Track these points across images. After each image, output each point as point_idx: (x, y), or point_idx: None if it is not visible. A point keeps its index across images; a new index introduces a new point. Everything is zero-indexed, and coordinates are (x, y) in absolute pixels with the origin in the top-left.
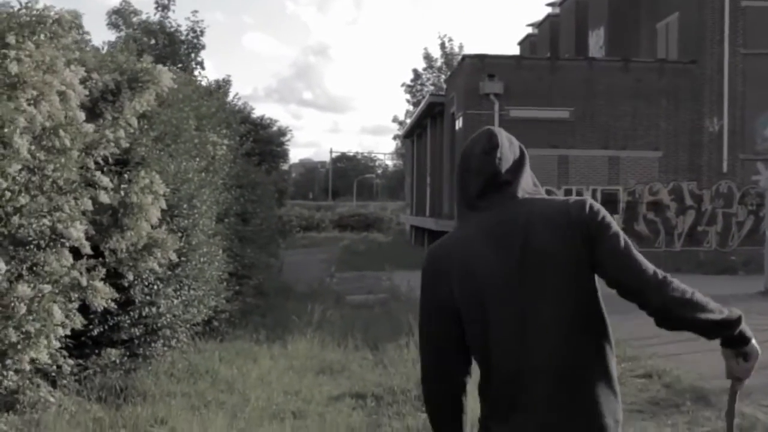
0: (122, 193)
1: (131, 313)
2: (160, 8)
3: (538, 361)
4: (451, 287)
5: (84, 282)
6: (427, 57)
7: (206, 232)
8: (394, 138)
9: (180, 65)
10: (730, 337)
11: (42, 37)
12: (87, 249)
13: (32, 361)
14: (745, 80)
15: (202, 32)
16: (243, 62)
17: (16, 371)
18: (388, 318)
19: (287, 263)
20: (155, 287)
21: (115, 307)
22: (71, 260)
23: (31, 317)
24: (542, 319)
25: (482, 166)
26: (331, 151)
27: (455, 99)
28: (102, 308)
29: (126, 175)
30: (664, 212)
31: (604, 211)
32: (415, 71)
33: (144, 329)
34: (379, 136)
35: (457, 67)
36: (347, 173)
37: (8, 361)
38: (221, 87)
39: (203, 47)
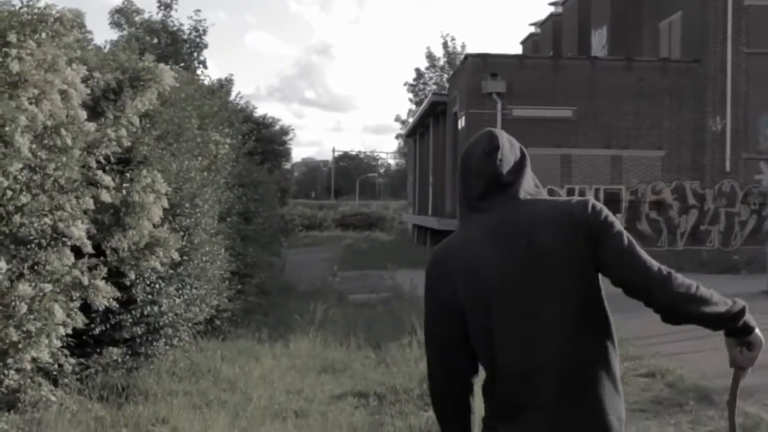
0: (124, 192)
1: (133, 312)
2: (162, 7)
3: (543, 362)
4: (455, 288)
5: (85, 281)
6: (430, 56)
7: (208, 231)
8: (397, 137)
9: (182, 64)
10: (734, 328)
11: (43, 35)
12: (88, 248)
13: (33, 360)
14: (748, 79)
15: (204, 31)
16: (245, 61)
17: (17, 370)
18: (390, 317)
19: (289, 262)
20: (157, 286)
21: (117, 305)
22: (73, 259)
23: (32, 316)
24: (547, 319)
25: (483, 168)
26: (333, 150)
27: (458, 98)
28: (104, 307)
29: (128, 174)
30: (667, 211)
31: (606, 211)
32: (417, 70)
33: (146, 328)
34: (382, 135)
35: (459, 67)
36: (350, 172)
37: (9, 360)
38: (224, 86)
39: (206, 46)
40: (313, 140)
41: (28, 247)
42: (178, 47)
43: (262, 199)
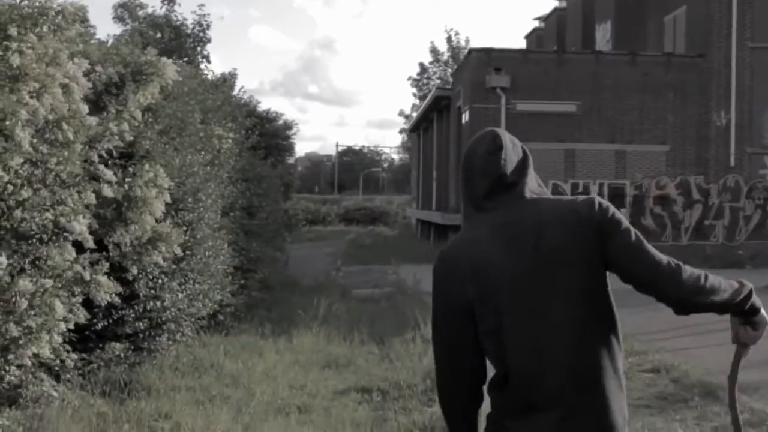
0: (126, 186)
1: (136, 307)
2: (166, 2)
3: (552, 360)
4: (464, 288)
5: (87, 276)
6: (434, 51)
7: (211, 225)
8: (401, 132)
9: (186, 59)
10: (742, 310)
11: (45, 29)
12: (90, 243)
13: (35, 356)
14: (752, 74)
15: (208, 26)
16: (249, 56)
17: (18, 366)
18: (394, 312)
19: (293, 257)
20: (160, 281)
21: (120, 301)
22: (74, 254)
23: (32, 312)
24: (555, 318)
25: (487, 167)
26: (337, 145)
27: (462, 93)
28: (106, 302)
29: (130, 169)
30: (671, 206)
31: (613, 208)
32: (421, 65)
33: (148, 323)
34: (385, 129)
35: (463, 61)
36: (353, 167)
37: (10, 356)
38: (227, 80)
39: (209, 41)
40: (316, 135)
41: (29, 242)
42: (182, 42)
43: (266, 194)
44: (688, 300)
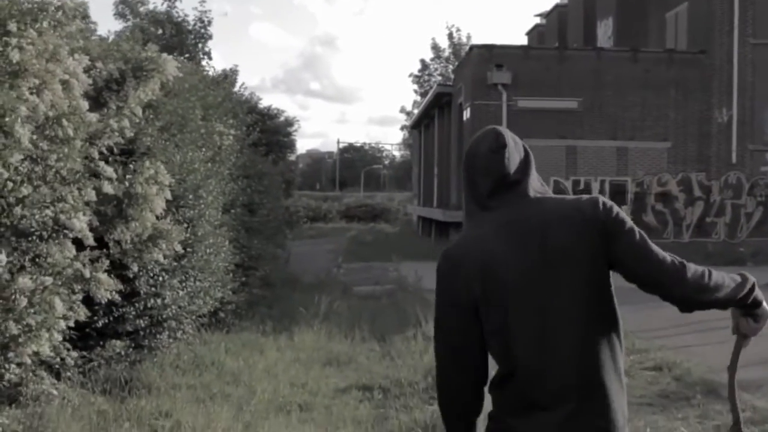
0: (127, 183)
1: (136, 305)
2: None
3: (555, 358)
4: (470, 286)
5: (87, 274)
6: (435, 47)
7: (212, 222)
8: (402, 128)
9: (187, 55)
10: (744, 304)
11: (44, 24)
12: (90, 240)
13: (35, 354)
14: (754, 70)
15: (209, 22)
16: (250, 52)
17: (18, 364)
18: (395, 309)
19: (294, 254)
20: (161, 278)
21: (120, 298)
22: (74, 252)
23: (32, 310)
24: (561, 316)
25: (491, 166)
26: (338, 142)
27: (463, 89)
28: (106, 300)
29: (131, 165)
30: (673, 203)
31: (617, 207)
32: (422, 61)
33: (149, 321)
34: (387, 126)
35: (464, 58)
36: (354, 164)
37: (10, 354)
38: (228, 77)
39: (210, 37)
40: (317, 132)
41: (29, 239)
42: (183, 38)
43: (267, 191)
44: (692, 298)
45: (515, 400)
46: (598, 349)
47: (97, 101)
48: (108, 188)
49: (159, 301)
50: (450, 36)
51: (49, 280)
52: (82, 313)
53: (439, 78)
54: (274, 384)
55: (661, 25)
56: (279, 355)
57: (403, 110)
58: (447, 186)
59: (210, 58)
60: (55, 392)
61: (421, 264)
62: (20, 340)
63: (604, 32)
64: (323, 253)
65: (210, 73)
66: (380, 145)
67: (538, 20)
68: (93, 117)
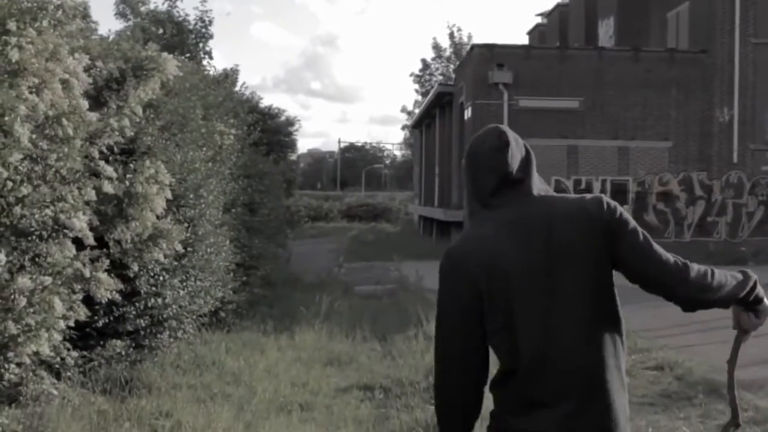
0: (127, 182)
1: (137, 304)
2: None
3: (559, 357)
4: (474, 284)
5: (87, 273)
6: (436, 47)
7: (213, 222)
8: (403, 128)
9: (188, 55)
10: (746, 301)
11: (44, 23)
12: (90, 240)
13: (36, 353)
14: (755, 70)
15: (210, 22)
16: (251, 52)
17: (18, 364)
18: (396, 309)
19: (295, 253)
20: (161, 278)
21: (121, 298)
22: (74, 251)
23: (31, 310)
24: (564, 314)
25: (493, 164)
26: (339, 141)
27: (464, 89)
28: (106, 299)
29: (131, 165)
30: (674, 203)
31: (620, 208)
32: (423, 61)
33: (150, 320)
34: (388, 126)
35: (465, 57)
36: (356, 163)
37: (10, 354)
38: (229, 76)
39: (211, 37)
40: (319, 131)
41: (29, 239)
42: (184, 38)
43: (268, 190)
44: (695, 298)
45: (517, 398)
46: (600, 347)
47: (97, 100)
48: (108, 188)
49: (159, 300)
50: (451, 35)
51: (48, 280)
52: (83, 313)
53: (440, 77)
54: (275, 384)
55: (662, 25)
56: (280, 354)
57: (404, 110)
58: (448, 185)
59: (211, 58)
60: (55, 392)
61: (423, 263)
62: (19, 340)
63: (606, 32)
64: (324, 253)
65: (211, 72)
66: (381, 145)
67: (539, 20)
68: (93, 116)
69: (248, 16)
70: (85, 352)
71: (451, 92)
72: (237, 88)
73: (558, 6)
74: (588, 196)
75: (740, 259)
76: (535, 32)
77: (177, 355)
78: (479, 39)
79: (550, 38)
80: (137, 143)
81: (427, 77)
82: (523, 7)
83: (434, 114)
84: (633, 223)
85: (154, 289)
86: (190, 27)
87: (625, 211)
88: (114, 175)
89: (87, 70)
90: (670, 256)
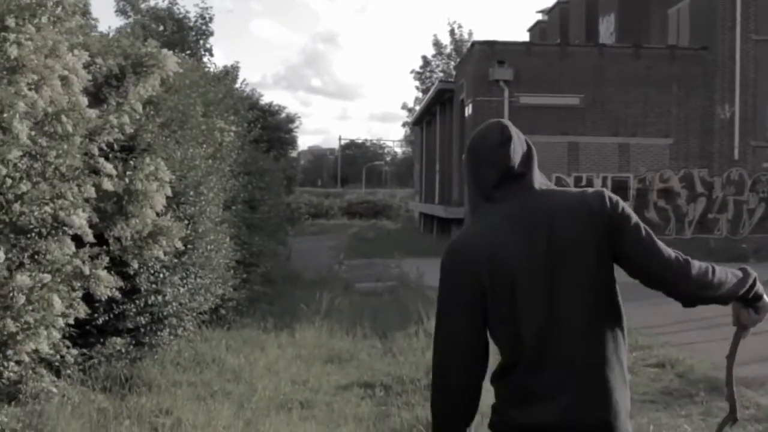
0: (127, 180)
1: (137, 302)
2: None
3: (560, 350)
4: (477, 277)
5: (87, 271)
6: (437, 44)
7: (213, 219)
8: (403, 125)
9: (188, 52)
10: (746, 298)
11: (43, 20)
12: (89, 237)
13: (35, 351)
14: (756, 67)
15: (210, 18)
16: (251, 49)
17: (17, 362)
18: (397, 306)
19: (296, 250)
20: (161, 275)
21: (120, 295)
22: (74, 248)
23: (30, 307)
24: (565, 307)
25: (495, 158)
26: (339, 138)
27: (465, 86)
28: (106, 297)
29: (131, 162)
30: (675, 200)
31: (622, 202)
32: (424, 58)
33: (150, 318)
34: (388, 123)
35: (466, 54)
36: (356, 160)
37: (9, 352)
38: (229, 73)
39: (212, 34)
40: (319, 128)
41: (28, 236)
42: (185, 35)
43: (268, 187)
44: (696, 295)
45: (518, 390)
46: (601, 340)
47: (96, 97)
48: (108, 185)
49: (159, 298)
50: (452, 32)
51: (47, 278)
52: (82, 311)
53: (441, 74)
54: (275, 381)
55: (663, 22)
56: (280, 352)
57: (404, 107)
58: (449, 182)
59: (211, 55)
60: (54, 390)
61: (423, 260)
62: (18, 337)
63: (606, 28)
64: (325, 250)
65: (211, 69)
66: (382, 142)
67: (540, 16)
68: (92, 113)
69: (248, 13)
70: (85, 350)
71: (451, 89)
72: (237, 85)
73: (559, 3)
74: (590, 190)
75: (741, 256)
76: (535, 29)
77: (177, 352)
78: (480, 36)
79: (551, 35)
80: (137, 140)
81: (428, 74)
82: (523, 3)
83: (435, 111)
84: (635, 218)
85: (154, 286)
86: (191, 24)
87: (627, 207)
88: (114, 172)
89: (86, 66)
90: (672, 253)
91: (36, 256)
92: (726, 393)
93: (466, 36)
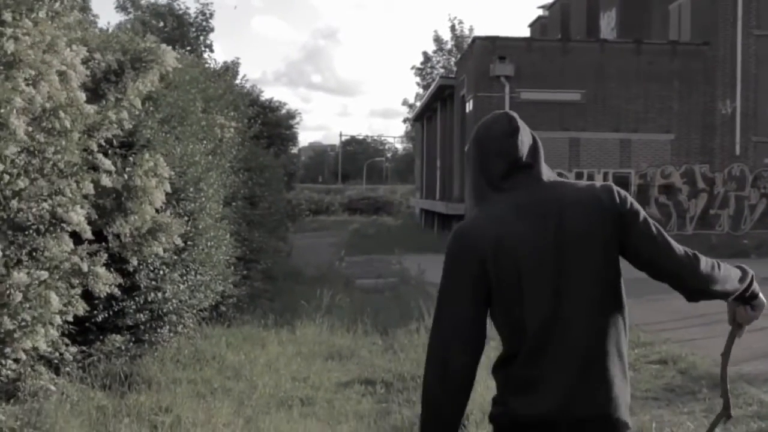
0: (126, 176)
1: (136, 299)
2: None
3: (567, 340)
4: (483, 263)
5: (85, 267)
6: (437, 39)
7: (213, 215)
8: (404, 121)
9: (189, 48)
10: (744, 295)
11: (41, 15)
12: (88, 234)
13: (34, 349)
14: (758, 62)
15: (211, 15)
16: (252, 46)
17: (15, 360)
18: (397, 302)
19: (296, 247)
20: (161, 272)
21: (120, 292)
22: (72, 245)
23: (27, 305)
24: (571, 298)
25: (503, 149)
26: (340, 135)
27: (465, 81)
28: (106, 294)
29: (130, 158)
30: (676, 195)
31: (630, 197)
32: (425, 54)
33: (149, 315)
34: (389, 119)
35: (467, 50)
36: (357, 156)
37: (6, 350)
38: (229, 69)
39: (212, 30)
40: (320, 124)
41: (26, 233)
42: (185, 31)
43: (268, 184)
44: (702, 289)
45: (519, 380)
46: (604, 332)
47: (95, 93)
48: (106, 181)
49: (159, 294)
50: (452, 28)
51: (45, 275)
52: (81, 308)
53: (442, 70)
54: (276, 378)
55: (664, 17)
56: (281, 349)
57: (405, 103)
58: (450, 178)
59: (211, 51)
60: (53, 387)
61: (424, 257)
62: (16, 335)
63: (608, 24)
64: (325, 246)
65: (211, 65)
66: (382, 138)
67: (540, 12)
68: (91, 109)
69: (249, 10)
70: (84, 347)
71: (452, 85)
72: (237, 81)
73: None
74: (598, 184)
75: (742, 251)
76: (536, 24)
77: (177, 349)
78: (481, 31)
79: (552, 30)
80: (136, 136)
81: (429, 70)
82: None
83: (436, 107)
84: (644, 213)
85: (153, 283)
86: (191, 20)
87: (635, 202)
88: (112, 168)
89: (85, 62)
90: (680, 247)
91: (34, 253)
92: (720, 389)
93: (466, 32)
